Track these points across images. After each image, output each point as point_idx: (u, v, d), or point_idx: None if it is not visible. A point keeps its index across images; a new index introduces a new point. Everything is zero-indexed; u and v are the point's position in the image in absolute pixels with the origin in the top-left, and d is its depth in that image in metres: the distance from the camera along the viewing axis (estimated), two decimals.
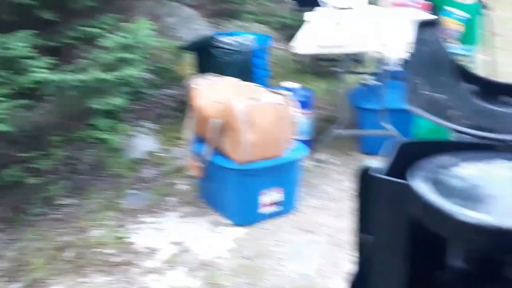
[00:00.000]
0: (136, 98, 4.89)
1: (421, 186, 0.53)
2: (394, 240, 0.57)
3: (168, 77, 4.92)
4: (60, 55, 3.30)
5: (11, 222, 3.03)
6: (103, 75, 2.80)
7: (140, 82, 4.53)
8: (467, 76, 0.67)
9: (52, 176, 3.39)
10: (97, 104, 2.87)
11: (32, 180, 3.02)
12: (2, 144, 2.99)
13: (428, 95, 0.67)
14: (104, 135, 3.49)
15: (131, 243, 2.99)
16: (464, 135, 0.65)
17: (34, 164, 3.03)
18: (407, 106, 0.68)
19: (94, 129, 3.54)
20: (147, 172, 3.76)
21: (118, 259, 2.85)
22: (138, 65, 2.93)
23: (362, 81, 4.30)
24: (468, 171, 0.57)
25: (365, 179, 0.62)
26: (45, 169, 3.26)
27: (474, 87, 0.67)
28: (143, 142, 4.13)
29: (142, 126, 4.44)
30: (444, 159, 0.60)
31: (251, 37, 4.58)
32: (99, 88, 2.84)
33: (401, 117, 3.63)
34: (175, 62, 5.04)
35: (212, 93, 3.23)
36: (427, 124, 3.40)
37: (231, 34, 4.71)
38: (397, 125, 3.64)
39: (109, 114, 3.77)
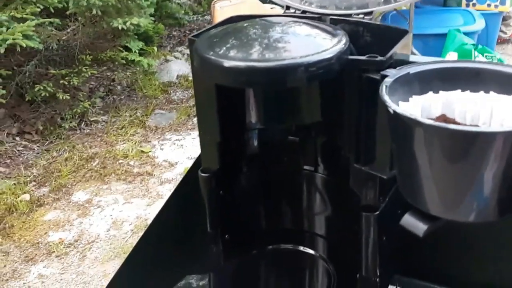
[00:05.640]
0: (176, 24, 5.01)
1: (198, 43, 0.60)
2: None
3: (208, 3, 4.97)
4: None
5: (44, 135, 3.28)
6: None
7: (177, 8, 4.63)
8: None
9: (86, 94, 3.60)
10: (120, 23, 2.98)
11: (64, 96, 3.21)
12: (34, 61, 3.18)
13: None
14: (134, 57, 3.63)
15: (154, 157, 3.18)
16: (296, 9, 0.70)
17: (65, 81, 3.21)
18: None
19: (125, 51, 3.68)
20: (177, 95, 3.91)
21: (139, 170, 3.04)
22: None
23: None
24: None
25: None
26: (79, 86, 3.47)
27: None
28: (178, 66, 4.25)
29: (180, 52, 4.57)
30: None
31: None
32: (120, 8, 2.94)
33: (429, 42, 3.58)
34: None
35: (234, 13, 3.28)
36: (453, 49, 3.33)
37: None
38: (426, 50, 3.57)
39: (140, 36, 3.90)
